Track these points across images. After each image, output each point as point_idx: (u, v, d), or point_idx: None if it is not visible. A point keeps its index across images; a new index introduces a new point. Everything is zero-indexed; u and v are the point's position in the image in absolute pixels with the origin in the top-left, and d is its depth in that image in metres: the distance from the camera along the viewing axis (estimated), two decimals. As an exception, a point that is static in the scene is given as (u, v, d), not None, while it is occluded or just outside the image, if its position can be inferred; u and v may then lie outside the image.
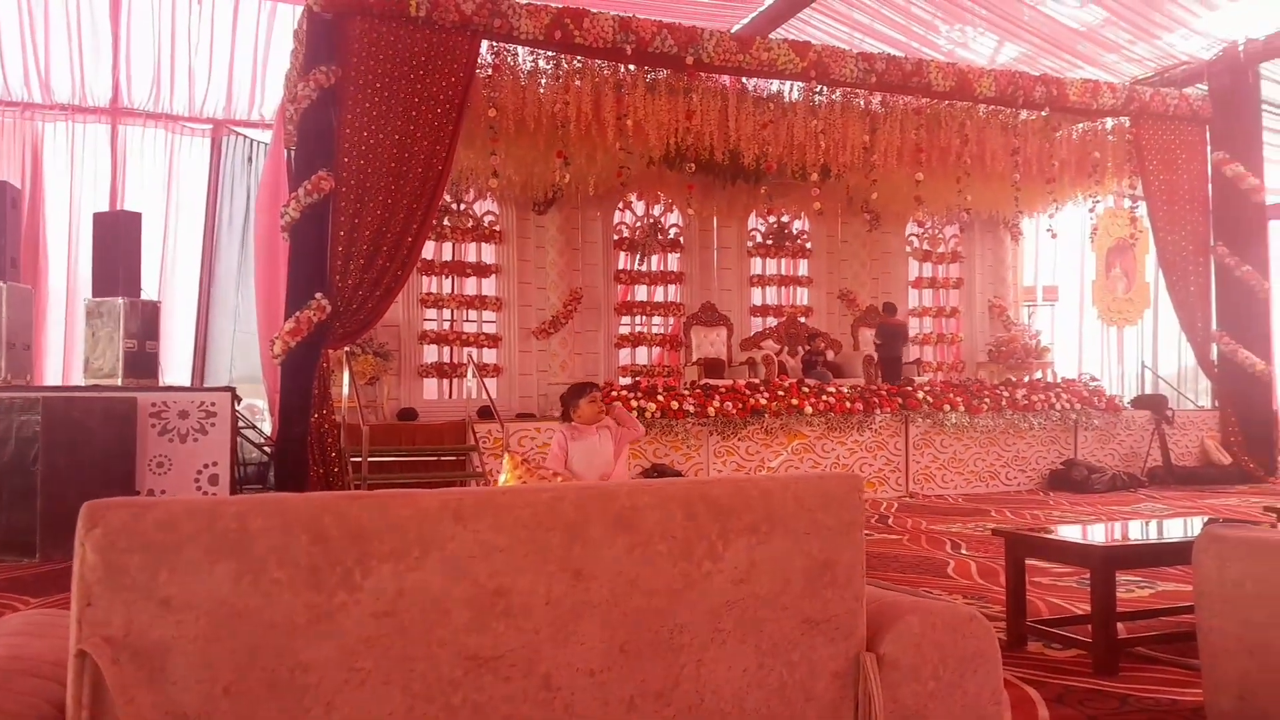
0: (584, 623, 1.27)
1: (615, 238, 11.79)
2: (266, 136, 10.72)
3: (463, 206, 10.95)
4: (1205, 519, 4.02)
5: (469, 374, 9.95)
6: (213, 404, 6.96)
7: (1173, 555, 3.43)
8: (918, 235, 13.13)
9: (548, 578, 1.26)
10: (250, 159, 11.45)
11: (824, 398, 9.50)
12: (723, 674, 1.39)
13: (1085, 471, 9.82)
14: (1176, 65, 11.01)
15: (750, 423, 9.14)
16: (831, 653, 1.46)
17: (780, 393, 9.43)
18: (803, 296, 12.78)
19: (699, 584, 1.37)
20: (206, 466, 6.89)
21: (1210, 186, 10.67)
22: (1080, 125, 10.70)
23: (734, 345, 11.92)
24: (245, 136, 11.48)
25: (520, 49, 8.51)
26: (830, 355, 11.92)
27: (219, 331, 11.17)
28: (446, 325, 10.85)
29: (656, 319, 12.09)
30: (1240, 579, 2.66)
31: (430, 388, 10.77)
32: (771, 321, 12.46)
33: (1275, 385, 10.94)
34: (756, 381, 9.98)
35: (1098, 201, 11.05)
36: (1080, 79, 10.19)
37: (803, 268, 12.80)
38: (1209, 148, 10.69)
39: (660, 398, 8.89)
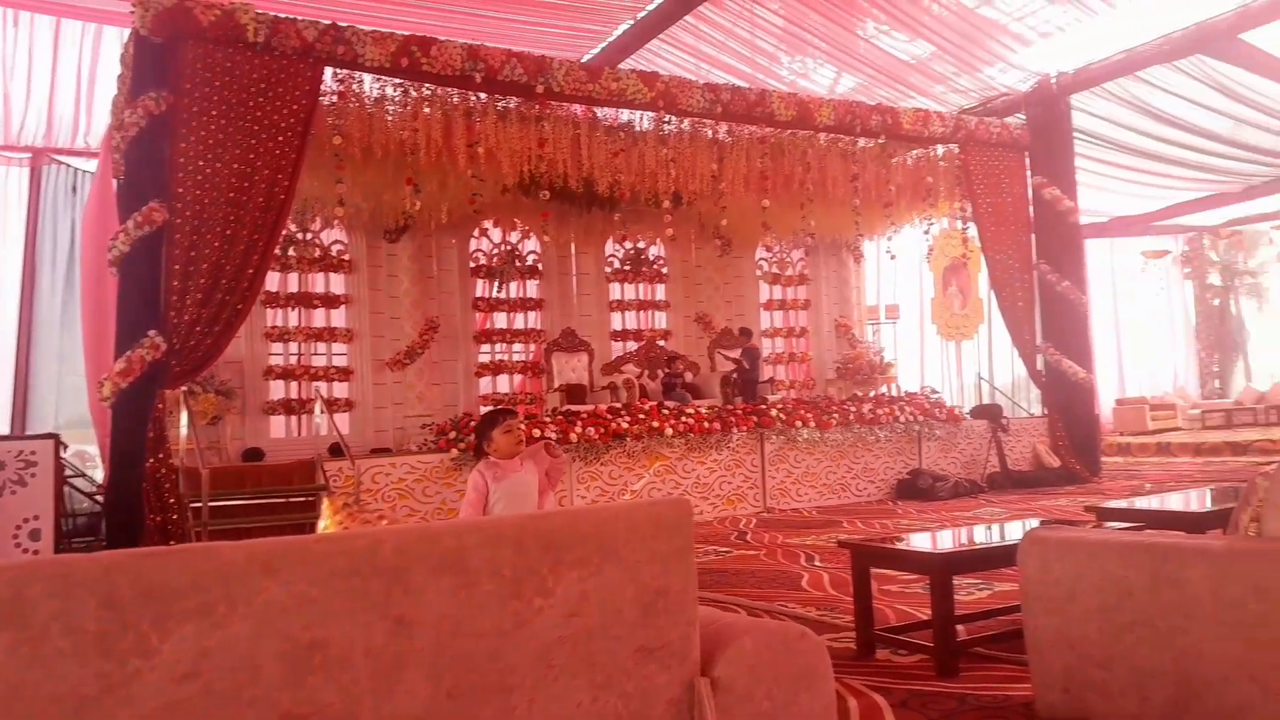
0: (408, 671, 1.23)
1: (472, 265, 11.66)
2: (92, 165, 10.09)
3: (309, 236, 10.60)
4: (1029, 522, 4.27)
5: (317, 409, 9.60)
6: (33, 453, 6.43)
7: (1004, 558, 3.62)
8: (767, 259, 13.57)
9: (366, 627, 1.21)
10: (75, 189, 10.76)
11: (683, 419, 9.65)
12: (556, 710, 1.38)
13: (930, 480, 10.31)
14: (997, 96, 11.81)
15: (613, 447, 9.17)
16: (667, 680, 1.47)
17: (641, 415, 9.52)
18: (661, 320, 12.99)
19: (530, 621, 1.35)
20: (27, 521, 6.35)
21: (1031, 209, 11.46)
22: (914, 152, 11.33)
23: (595, 370, 11.96)
24: (69, 165, 10.77)
25: (366, 76, 8.34)
26: (689, 377, 12.13)
27: (42, 375, 10.40)
28: (294, 359, 10.44)
29: (517, 346, 12.01)
30: (1060, 578, 2.84)
31: (278, 425, 10.32)
32: (632, 345, 12.59)
33: (1096, 392, 11.82)
34: (618, 405, 10.05)
35: (932, 223, 11.71)
36: (912, 108, 10.79)
37: (660, 292, 13.00)
38: (1029, 173, 11.49)
39: (521, 426, 8.80)
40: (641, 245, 12.78)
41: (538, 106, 8.95)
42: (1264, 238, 18.00)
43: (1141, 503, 5.16)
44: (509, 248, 11.86)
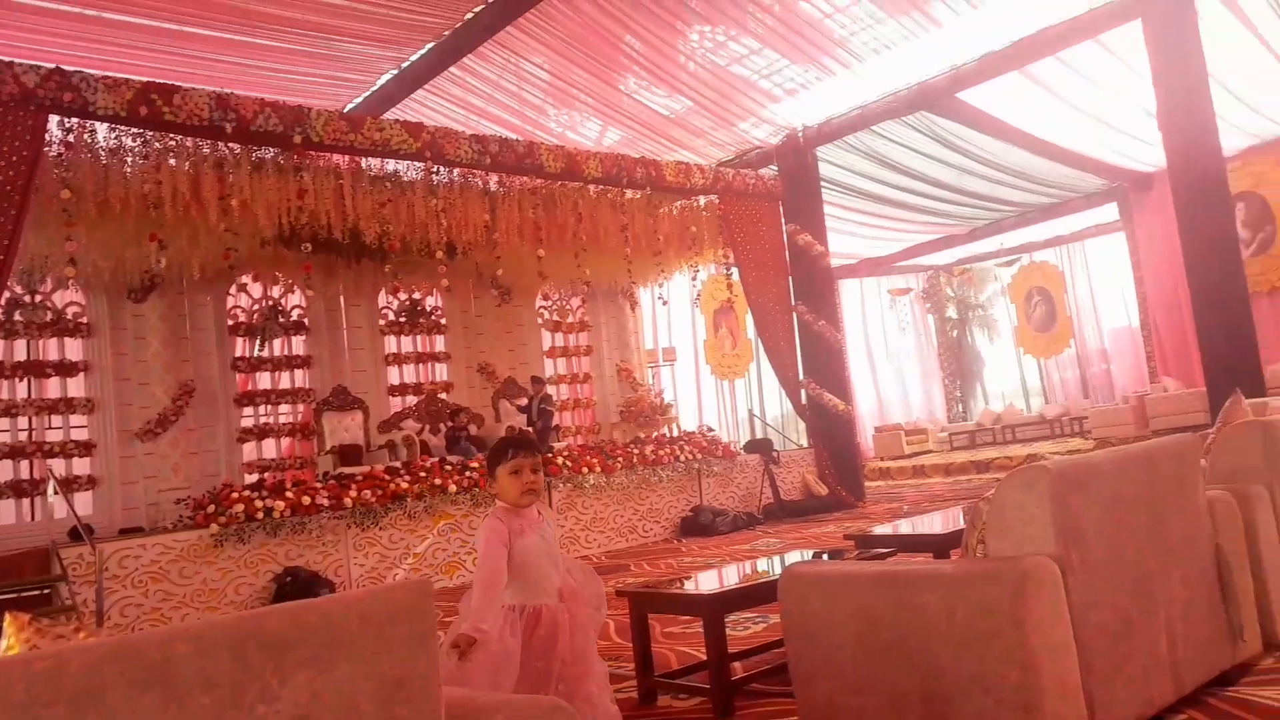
0: (101, 810, 1.10)
1: (230, 323, 10.94)
2: None
3: (38, 298, 9.59)
4: (794, 555, 4.48)
5: (50, 489, 8.63)
6: None
7: (769, 594, 3.76)
8: (546, 307, 13.65)
9: (47, 767, 1.07)
10: None
11: (468, 473, 9.45)
12: (288, 826, 1.27)
13: (711, 515, 10.65)
14: (752, 149, 12.57)
15: (392, 509, 8.82)
16: (413, 773, 1.39)
17: (422, 474, 9.23)
18: (442, 372, 12.70)
19: (250, 732, 1.24)
20: None
21: (788, 253, 12.22)
22: (679, 202, 11.81)
23: (372, 428, 11.51)
24: None
25: (99, 125, 7.70)
26: (473, 430, 11.92)
27: None
28: (23, 435, 9.36)
29: (284, 407, 11.35)
30: (817, 610, 2.97)
31: (6, 510, 9.18)
32: (411, 400, 12.22)
33: (855, 421, 12.69)
34: (396, 465, 9.69)
35: (699, 270, 12.23)
36: (675, 160, 11.27)
37: (439, 343, 12.73)
38: (783, 220, 12.27)
39: (289, 494, 8.30)
40: (417, 296, 12.49)
41: (295, 156, 8.60)
42: (990, 274, 20.13)
43: (904, 526, 5.56)
44: (270, 303, 11.24)
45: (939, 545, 4.45)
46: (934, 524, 5.22)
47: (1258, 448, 3.87)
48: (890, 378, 20.14)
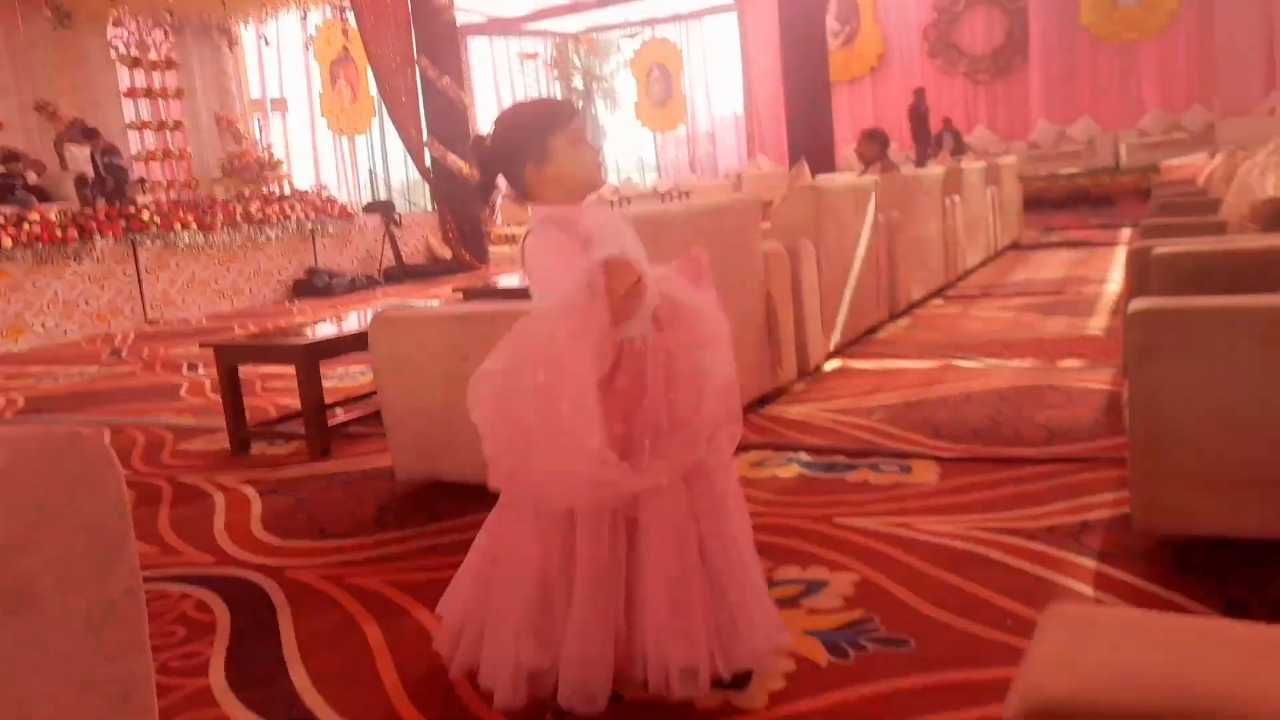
0: None
1: None
2: None
3: None
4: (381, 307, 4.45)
5: None
6: None
7: (362, 341, 3.73)
8: (120, 39, 11.61)
9: None
10: None
11: (26, 226, 8.13)
12: None
13: (326, 278, 10.25)
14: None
15: (-72, 267, 7.42)
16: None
17: (-36, 226, 7.79)
18: (-13, 108, 10.52)
19: None
20: None
21: (410, 4, 11.37)
22: (284, -76, 10.38)
23: (-110, 171, 9.38)
24: None
25: None
26: (32, 177, 10.14)
27: None
28: None
29: None
30: (407, 352, 3.00)
31: None
32: (-55, 139, 10.06)
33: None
34: (-72, 215, 8.07)
35: (308, 11, 11.02)
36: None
37: (-20, 72, 10.46)
38: (406, -36, 11.32)
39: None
40: (-58, 9, 10.03)
41: None
42: (614, 46, 20.37)
43: (503, 282, 5.71)
44: None
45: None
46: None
47: (810, 209, 4.42)
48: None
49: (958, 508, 2.48)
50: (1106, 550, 2.12)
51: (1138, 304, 2.03)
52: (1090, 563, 2.07)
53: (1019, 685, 0.75)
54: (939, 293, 6.44)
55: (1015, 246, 8.98)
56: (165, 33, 11.79)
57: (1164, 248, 2.55)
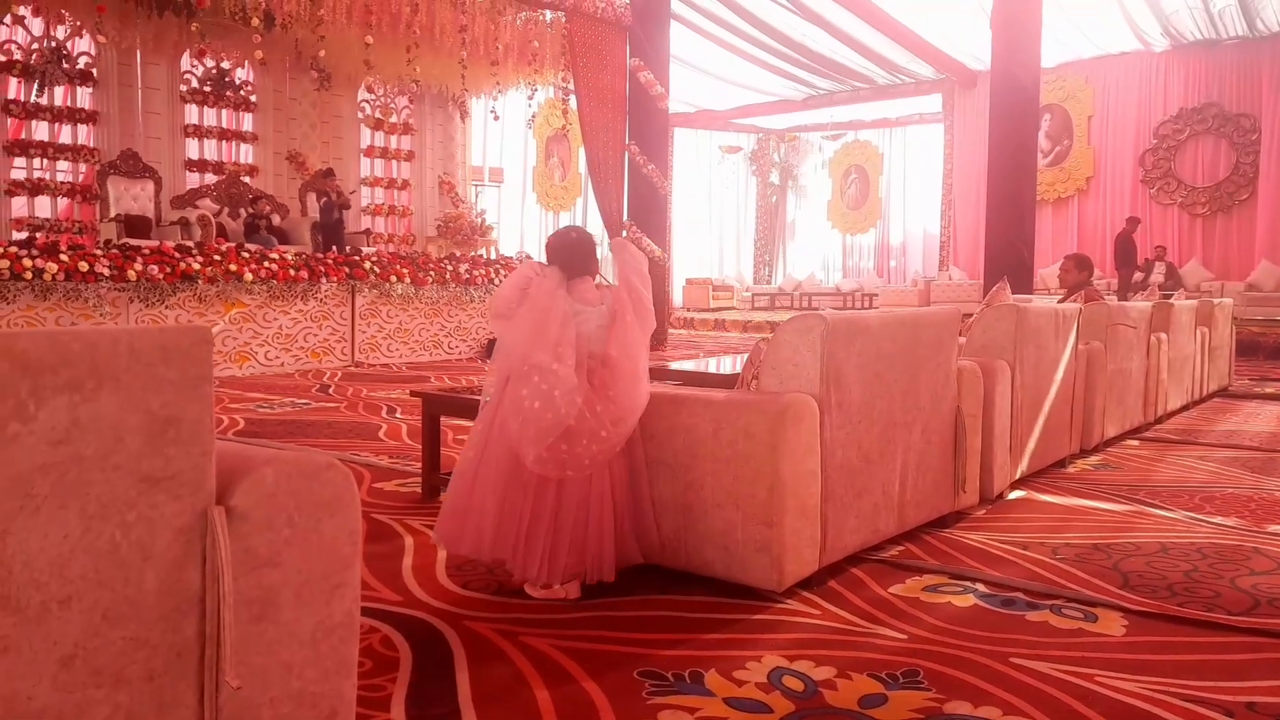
0: None
1: (2, 58, 9.68)
2: None
3: None
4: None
5: None
6: None
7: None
8: (370, 102, 12.88)
9: None
10: None
11: (266, 264, 9.02)
12: (37, 544, 1.28)
13: (516, 340, 10.75)
14: (607, -28, 12.06)
15: (181, 289, 8.35)
16: (176, 509, 1.42)
17: (217, 257, 8.73)
18: (247, 154, 11.87)
19: (2, 450, 1.22)
20: None
21: (628, 90, 12.02)
22: (523, 13, 11.26)
23: (164, 202, 10.69)
24: None
25: None
26: (276, 220, 11.31)
27: None
28: None
29: (62, 164, 10.31)
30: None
31: None
32: (211, 178, 11.39)
33: (670, 270, 12.98)
34: (189, 244, 9.10)
35: (536, 89, 11.83)
36: (524, -33, 10.67)
37: (247, 122, 11.83)
38: (629, 54, 11.99)
39: (64, 256, 7.66)
40: (226, 65, 11.45)
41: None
42: (815, 146, 20.67)
43: (687, 365, 5.85)
44: (54, 44, 9.99)
45: (722, 382, 4.74)
46: (723, 366, 5.55)
47: (1010, 328, 4.33)
48: (708, 233, 20.61)
49: (1146, 666, 2.34)
50: (1317, 743, 1.95)
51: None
52: (1297, 753, 1.91)
53: None
54: (1135, 432, 6.09)
55: (1223, 393, 8.37)
56: (408, 100, 12.96)
57: None
